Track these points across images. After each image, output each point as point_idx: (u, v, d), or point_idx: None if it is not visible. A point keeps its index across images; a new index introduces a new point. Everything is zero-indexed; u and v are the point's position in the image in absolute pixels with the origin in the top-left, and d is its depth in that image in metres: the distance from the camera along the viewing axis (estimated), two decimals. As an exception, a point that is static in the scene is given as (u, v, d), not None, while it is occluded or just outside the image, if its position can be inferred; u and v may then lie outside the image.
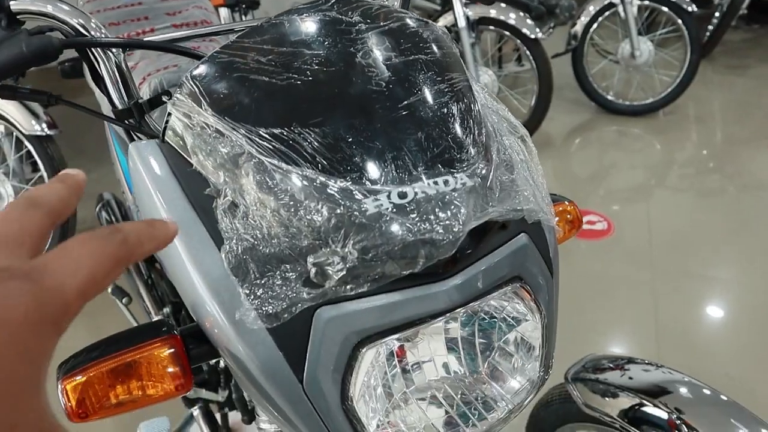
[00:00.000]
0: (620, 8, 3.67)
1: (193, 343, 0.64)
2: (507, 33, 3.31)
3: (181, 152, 0.61)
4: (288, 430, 0.69)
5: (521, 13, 3.26)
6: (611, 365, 1.16)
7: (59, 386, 0.59)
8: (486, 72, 3.33)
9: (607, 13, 3.75)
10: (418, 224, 0.51)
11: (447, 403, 0.64)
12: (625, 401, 1.09)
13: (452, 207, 0.53)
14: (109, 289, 1.88)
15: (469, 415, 0.64)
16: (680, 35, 3.74)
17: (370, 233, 0.51)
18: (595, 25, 3.78)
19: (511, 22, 3.23)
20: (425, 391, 0.62)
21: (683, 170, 3.40)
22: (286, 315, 0.52)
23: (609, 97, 3.91)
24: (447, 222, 0.52)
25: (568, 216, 0.91)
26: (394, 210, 0.52)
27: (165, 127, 0.62)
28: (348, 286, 0.52)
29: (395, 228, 0.51)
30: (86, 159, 3.60)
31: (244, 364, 0.55)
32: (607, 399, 1.12)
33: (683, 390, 1.06)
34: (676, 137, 3.73)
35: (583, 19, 3.77)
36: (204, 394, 1.45)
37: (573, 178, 3.37)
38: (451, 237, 0.51)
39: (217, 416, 1.59)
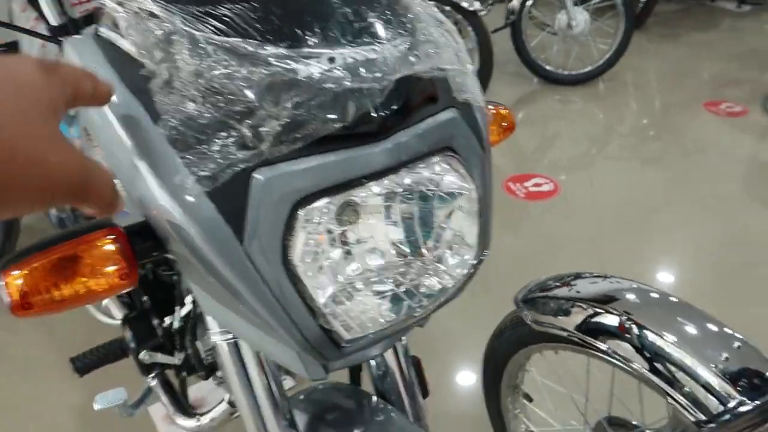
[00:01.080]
0: (555, -20, 3.76)
1: (137, 239, 0.64)
2: (447, 8, 3.35)
3: (115, 42, 0.61)
4: (236, 313, 0.70)
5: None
6: (558, 283, 1.18)
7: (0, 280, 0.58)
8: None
9: (542, -14, 3.84)
10: (348, 78, 0.53)
11: (393, 284, 0.65)
12: (575, 313, 1.11)
13: (379, 64, 0.55)
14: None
15: (415, 293, 0.66)
16: (613, 4, 3.84)
17: (301, 90, 0.53)
18: (531, -1, 3.86)
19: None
20: (369, 274, 0.64)
21: (623, 134, 3.49)
22: (222, 176, 0.53)
23: (549, 68, 4.00)
24: (374, 74, 0.54)
25: (503, 121, 0.94)
26: (325, 70, 0.53)
27: (98, 23, 0.63)
28: (283, 146, 0.53)
29: (326, 83, 0.53)
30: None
31: (186, 233, 0.56)
32: (558, 316, 1.14)
33: (631, 296, 1.08)
34: (615, 103, 3.83)
35: (520, -7, 3.84)
36: (160, 358, 1.43)
37: (518, 148, 3.43)
38: (377, 85, 0.54)
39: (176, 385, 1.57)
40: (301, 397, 0.95)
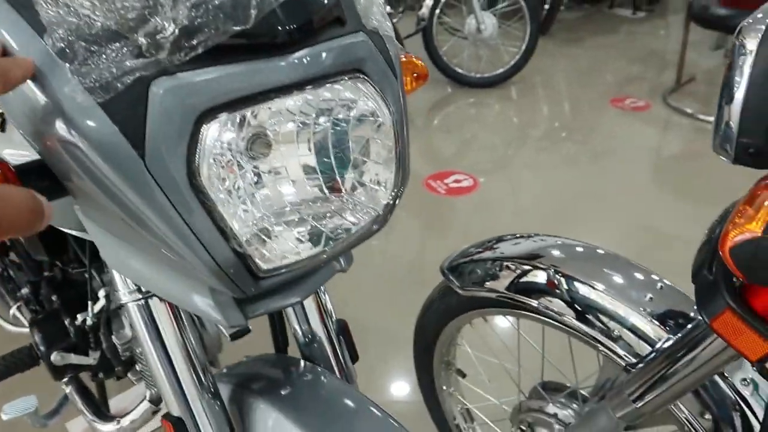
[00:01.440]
0: (461, -14, 3.84)
1: (29, 177, 0.59)
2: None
3: None
4: (147, 255, 0.65)
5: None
6: (481, 249, 1.17)
7: None
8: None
9: (450, -8, 3.92)
10: None
11: (311, 219, 0.62)
12: (502, 274, 1.11)
13: None
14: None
15: (333, 226, 0.63)
16: (519, 7, 3.95)
17: None
18: (440, 4, 3.92)
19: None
20: (285, 207, 0.60)
21: (536, 131, 3.58)
22: (117, 85, 0.48)
23: (461, 72, 4.07)
24: None
25: (415, 71, 0.92)
26: None
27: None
28: (182, 54, 0.50)
29: None
30: None
31: (83, 155, 0.51)
32: (485, 279, 1.13)
33: (557, 251, 1.09)
34: (527, 102, 3.94)
35: (428, 1, 3.90)
36: (73, 359, 1.34)
37: (436, 148, 3.46)
38: None
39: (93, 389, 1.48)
40: (225, 370, 0.90)
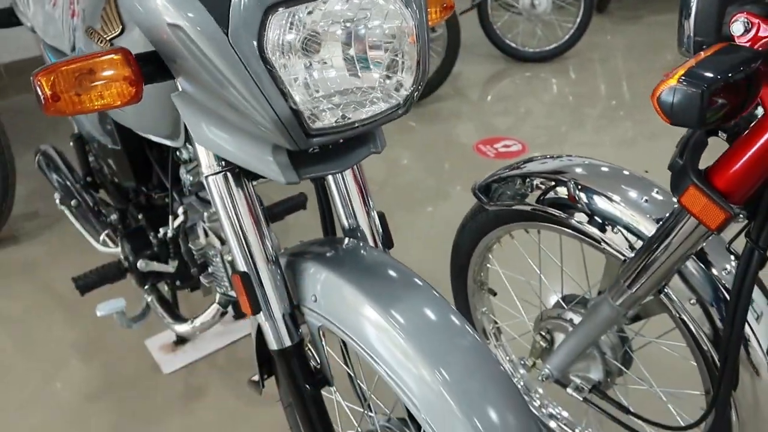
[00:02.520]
0: (516, -37, 3.96)
1: (144, 62, 0.79)
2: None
3: None
4: (223, 121, 0.84)
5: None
6: (511, 169, 1.32)
7: (33, 81, 0.72)
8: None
9: (505, -32, 4.03)
10: None
11: (351, 97, 0.81)
12: (527, 190, 1.25)
13: None
14: (57, 200, 1.98)
15: (366, 103, 0.81)
16: (573, -17, 4.05)
17: None
18: (496, -19, 4.05)
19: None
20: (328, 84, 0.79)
21: (589, 105, 3.67)
22: None
23: (515, 46, 4.18)
24: None
25: (444, 2, 1.08)
26: None
27: None
28: None
29: None
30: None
31: (183, 33, 0.71)
32: (512, 196, 1.29)
33: (580, 169, 1.22)
34: (581, 78, 4.02)
35: (485, -24, 4.03)
36: (155, 266, 1.57)
37: (488, 120, 3.60)
38: None
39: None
40: (283, 250, 1.09)
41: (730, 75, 0.65)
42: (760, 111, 0.79)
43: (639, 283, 1.03)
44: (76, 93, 0.75)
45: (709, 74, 0.64)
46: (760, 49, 0.69)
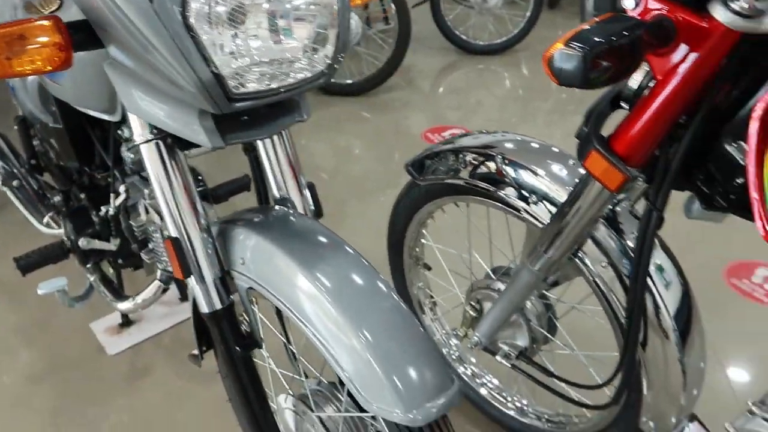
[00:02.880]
0: (467, -44, 4.03)
1: (74, 30, 0.82)
2: (366, -20, 3.55)
3: None
4: (150, 87, 0.87)
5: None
6: (444, 145, 1.37)
7: None
8: (352, 16, 3.56)
9: (457, -37, 4.11)
10: None
11: (274, 66, 0.85)
12: (457, 164, 1.31)
13: None
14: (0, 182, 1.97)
15: (288, 70, 0.86)
16: (524, -22, 4.14)
17: None
18: (447, -25, 4.12)
19: (369, -31, 3.49)
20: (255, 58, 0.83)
21: (541, 97, 3.76)
22: None
23: (466, 39, 4.26)
24: None
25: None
26: None
27: None
28: None
29: None
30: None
31: (113, 3, 0.74)
32: (442, 171, 1.34)
33: (510, 144, 1.28)
34: (532, 71, 4.12)
35: (436, -30, 4.10)
36: (97, 244, 1.59)
37: (439, 110, 3.66)
38: None
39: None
40: (215, 219, 1.12)
41: (612, 40, 0.71)
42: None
43: (554, 248, 1.09)
44: (6, 57, 0.78)
45: (592, 39, 0.70)
46: (645, 19, 0.75)
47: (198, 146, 0.97)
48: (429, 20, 4.23)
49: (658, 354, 1.14)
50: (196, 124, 0.88)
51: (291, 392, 1.17)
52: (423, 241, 1.57)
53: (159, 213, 1.44)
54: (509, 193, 1.22)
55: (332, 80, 3.35)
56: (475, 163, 1.28)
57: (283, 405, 1.16)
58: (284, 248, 0.96)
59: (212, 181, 1.86)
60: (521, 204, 1.20)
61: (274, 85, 0.84)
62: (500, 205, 1.26)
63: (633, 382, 1.20)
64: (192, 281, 1.03)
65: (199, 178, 1.66)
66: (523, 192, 1.20)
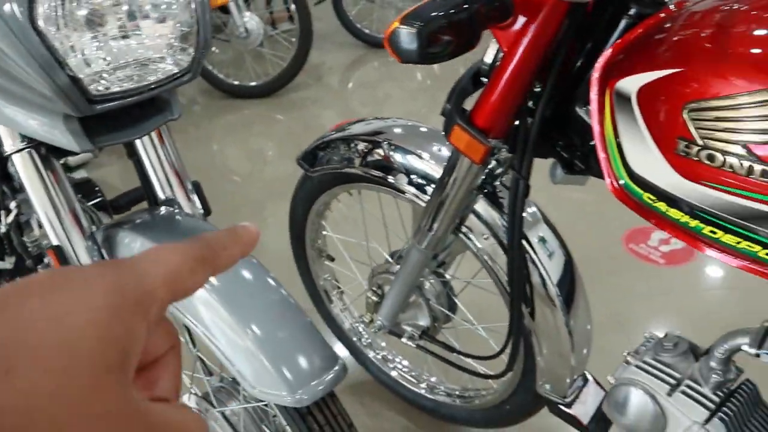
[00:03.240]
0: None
1: None
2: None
3: None
4: (12, 88, 0.86)
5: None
6: (336, 133, 1.39)
7: None
8: (252, 17, 3.55)
9: (354, -43, 4.15)
10: None
11: (137, 68, 0.85)
12: (346, 152, 1.33)
13: None
14: None
15: (148, 70, 0.86)
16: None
17: None
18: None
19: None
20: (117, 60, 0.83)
21: (447, 83, 3.82)
22: None
23: (369, 33, 4.30)
24: None
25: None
26: None
27: None
28: None
29: None
30: None
31: None
32: (336, 160, 1.36)
33: (398, 129, 1.31)
34: (441, 64, 4.18)
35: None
36: (-11, 265, 1.54)
37: (349, 105, 3.69)
38: None
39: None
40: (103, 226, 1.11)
41: (450, 14, 0.74)
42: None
43: (436, 224, 1.13)
44: None
45: (428, 15, 0.73)
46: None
47: (74, 153, 0.96)
48: (333, 17, 4.25)
49: (547, 321, 1.19)
50: (62, 129, 0.87)
51: (193, 391, 1.17)
52: (323, 232, 1.59)
53: (39, 223, 1.41)
54: (397, 177, 1.24)
55: (236, 83, 3.32)
56: (365, 150, 1.31)
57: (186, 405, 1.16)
58: None
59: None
60: (408, 187, 1.23)
61: (136, 85, 0.84)
62: (389, 189, 1.28)
63: (526, 349, 1.25)
64: None
65: (96, 189, 1.63)
66: (410, 176, 1.23)
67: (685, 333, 1.04)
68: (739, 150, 0.64)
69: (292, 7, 3.56)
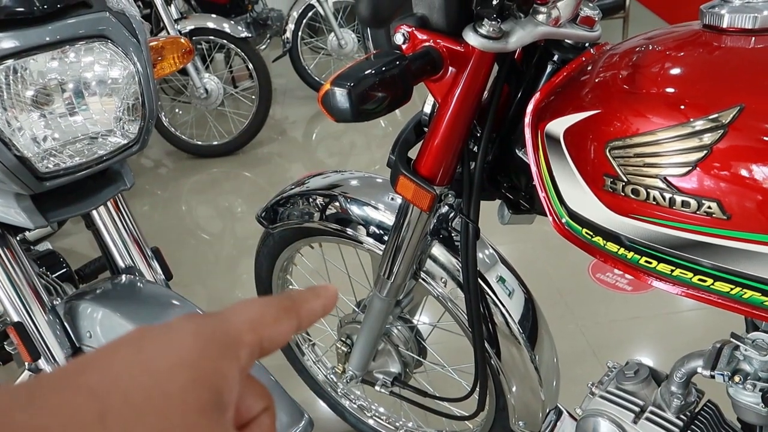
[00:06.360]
0: (319, 8, 4.15)
1: None
2: (221, 40, 3.59)
3: None
4: None
5: (231, 22, 3.58)
6: (294, 186, 1.41)
7: None
8: (211, 78, 3.60)
9: (309, 14, 4.22)
10: None
11: (83, 142, 0.87)
12: (305, 207, 1.35)
13: None
14: None
15: (99, 143, 0.88)
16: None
17: None
18: (302, 26, 4.23)
19: (225, 29, 3.51)
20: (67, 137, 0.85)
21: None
22: None
23: (330, 85, 4.37)
24: None
25: (182, 48, 1.18)
26: None
27: None
28: None
29: None
30: None
31: None
32: (296, 215, 1.37)
33: (354, 182, 1.34)
34: (405, 109, 4.25)
35: (291, 25, 4.20)
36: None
37: (317, 157, 3.73)
38: None
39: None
40: (65, 298, 1.12)
41: (380, 72, 0.77)
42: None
43: (394, 272, 1.15)
44: None
45: (357, 75, 0.76)
46: (408, 52, 0.83)
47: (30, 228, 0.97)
48: (293, 72, 4.32)
49: (513, 358, 1.21)
50: (14, 207, 0.89)
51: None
52: (289, 287, 1.60)
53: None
54: (356, 229, 1.27)
55: (200, 143, 3.33)
56: (323, 204, 1.33)
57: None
58: (129, 315, 0.98)
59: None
60: (366, 238, 1.25)
61: (86, 159, 0.87)
62: (348, 240, 1.30)
63: (497, 387, 1.26)
64: (42, 363, 1.02)
65: (61, 260, 1.63)
66: (367, 226, 1.26)
67: (656, 356, 1.06)
68: (660, 183, 0.67)
69: (251, 65, 3.61)
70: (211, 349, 0.29)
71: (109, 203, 1.08)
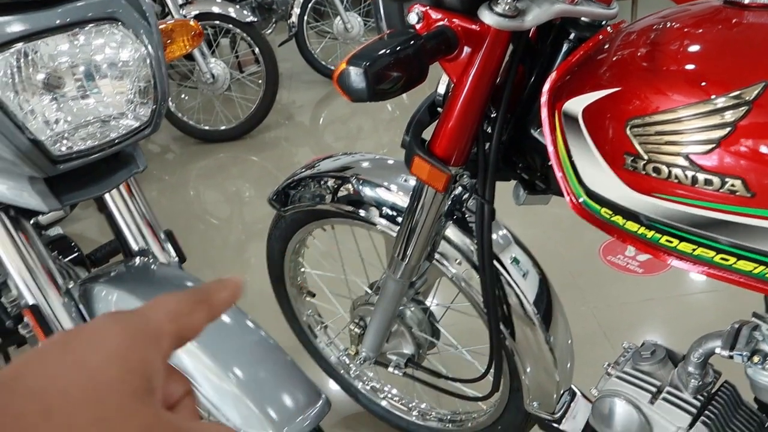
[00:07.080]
0: (324, -9, 4.15)
1: None
2: (227, 25, 3.57)
3: None
4: None
5: (237, 6, 3.57)
6: (305, 170, 1.41)
7: None
8: (217, 63, 3.59)
9: (314, -1, 4.21)
10: None
11: (97, 125, 0.87)
12: (317, 189, 1.35)
13: None
14: None
15: (110, 126, 0.87)
16: (382, 4, 4.27)
17: None
18: (307, 11, 4.20)
19: (231, 13, 3.49)
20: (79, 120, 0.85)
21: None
22: None
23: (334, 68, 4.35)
24: None
25: (192, 31, 1.17)
26: None
27: None
28: None
29: None
30: None
31: None
32: (307, 197, 1.37)
33: (365, 164, 1.34)
34: (411, 94, 4.23)
35: (296, 9, 4.18)
36: (-32, 331, 1.53)
37: (324, 141, 3.72)
38: None
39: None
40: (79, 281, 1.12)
41: (395, 52, 0.76)
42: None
43: (408, 254, 1.14)
44: None
45: (373, 54, 0.75)
46: (423, 32, 0.82)
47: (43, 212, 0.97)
48: (299, 56, 4.30)
49: (528, 339, 1.21)
50: (28, 190, 0.89)
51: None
52: (302, 270, 1.60)
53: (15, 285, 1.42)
54: (368, 210, 1.26)
55: (207, 128, 3.33)
56: (335, 186, 1.33)
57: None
58: (144, 297, 0.98)
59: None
60: (379, 219, 1.25)
61: (99, 142, 0.86)
62: (361, 222, 1.30)
63: (511, 368, 1.26)
64: None
65: (72, 244, 1.63)
66: (380, 208, 1.25)
67: (668, 338, 1.06)
68: (682, 161, 0.66)
69: (257, 50, 3.59)
70: (137, 342, 0.33)
71: (121, 186, 1.08)
